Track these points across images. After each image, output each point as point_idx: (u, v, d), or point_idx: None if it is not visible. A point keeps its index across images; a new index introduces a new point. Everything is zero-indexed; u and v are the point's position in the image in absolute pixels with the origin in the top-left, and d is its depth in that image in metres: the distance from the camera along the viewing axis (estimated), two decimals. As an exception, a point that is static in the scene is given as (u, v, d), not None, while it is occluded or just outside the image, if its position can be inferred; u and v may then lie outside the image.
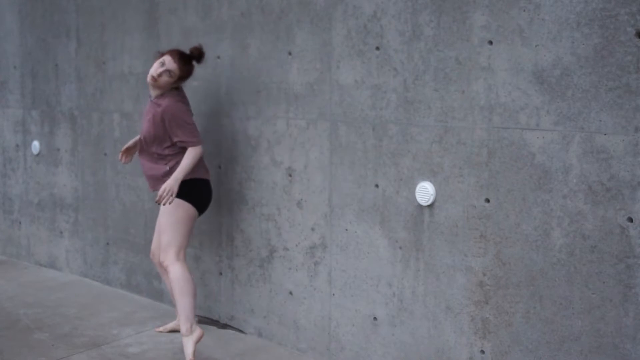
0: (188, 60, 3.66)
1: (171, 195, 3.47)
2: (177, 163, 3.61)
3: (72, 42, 4.81)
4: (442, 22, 2.95)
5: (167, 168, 3.62)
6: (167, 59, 3.58)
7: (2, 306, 4.29)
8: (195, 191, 3.63)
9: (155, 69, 3.57)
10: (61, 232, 5.04)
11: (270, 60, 3.62)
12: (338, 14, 3.31)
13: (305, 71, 3.46)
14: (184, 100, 3.68)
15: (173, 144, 3.61)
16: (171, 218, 3.58)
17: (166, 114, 3.54)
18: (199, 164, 3.65)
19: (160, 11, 4.18)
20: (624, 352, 2.55)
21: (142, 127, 3.66)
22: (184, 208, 3.60)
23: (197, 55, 3.69)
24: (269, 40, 3.61)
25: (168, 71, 3.56)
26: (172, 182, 3.47)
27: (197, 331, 3.49)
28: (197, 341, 3.48)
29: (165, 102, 3.57)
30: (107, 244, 4.69)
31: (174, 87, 3.67)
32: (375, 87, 3.20)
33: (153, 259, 3.85)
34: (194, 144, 3.57)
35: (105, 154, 4.62)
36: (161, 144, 3.60)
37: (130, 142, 3.89)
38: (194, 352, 3.44)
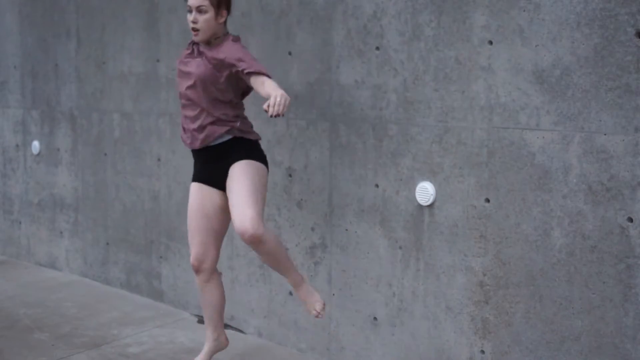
0: None
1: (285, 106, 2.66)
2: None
3: (72, 42, 4.81)
4: (442, 22, 2.95)
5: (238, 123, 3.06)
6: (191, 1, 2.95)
7: (2, 306, 4.29)
8: (263, 155, 3.11)
9: (190, 19, 2.96)
10: (61, 232, 5.04)
11: (270, 60, 3.61)
12: (338, 14, 3.31)
13: (305, 71, 3.46)
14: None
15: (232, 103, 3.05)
16: (256, 184, 2.97)
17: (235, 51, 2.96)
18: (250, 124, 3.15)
19: (160, 11, 4.18)
20: (624, 352, 2.55)
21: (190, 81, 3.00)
22: (263, 173, 3.05)
23: None
24: (269, 40, 3.61)
25: (200, 9, 2.94)
26: (284, 93, 2.67)
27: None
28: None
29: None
30: (107, 244, 4.69)
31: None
32: (375, 87, 3.20)
33: (202, 265, 3.13)
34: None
35: (105, 154, 4.62)
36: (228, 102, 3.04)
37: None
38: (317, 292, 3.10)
